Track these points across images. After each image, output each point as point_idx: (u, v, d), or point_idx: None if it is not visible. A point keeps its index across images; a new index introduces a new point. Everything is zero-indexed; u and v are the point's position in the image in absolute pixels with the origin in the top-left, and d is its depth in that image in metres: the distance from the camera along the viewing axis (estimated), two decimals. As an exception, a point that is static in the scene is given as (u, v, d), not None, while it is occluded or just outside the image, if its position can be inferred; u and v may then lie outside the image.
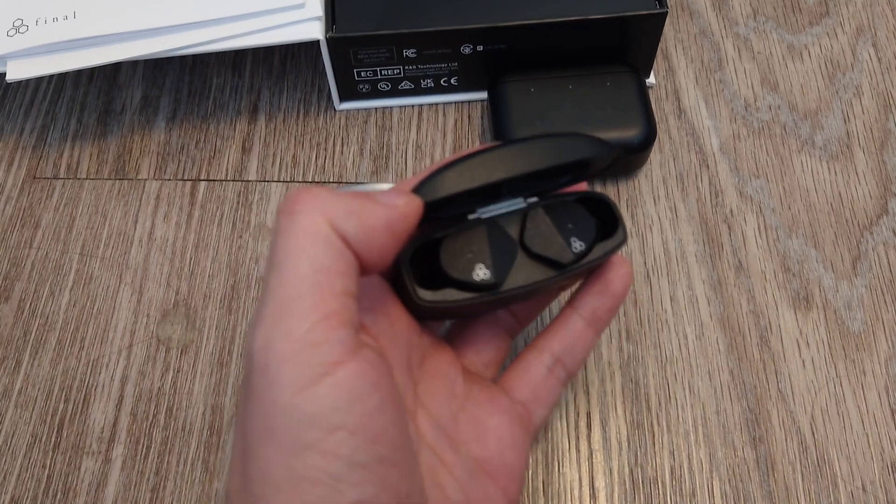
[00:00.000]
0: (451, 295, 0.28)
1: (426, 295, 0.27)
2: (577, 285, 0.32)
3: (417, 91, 0.45)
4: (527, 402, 0.31)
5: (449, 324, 0.34)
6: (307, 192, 0.24)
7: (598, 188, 0.43)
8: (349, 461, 0.22)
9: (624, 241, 0.29)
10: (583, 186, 0.31)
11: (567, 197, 0.30)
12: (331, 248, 0.23)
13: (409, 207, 0.25)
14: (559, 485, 0.36)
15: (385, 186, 0.40)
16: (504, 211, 0.29)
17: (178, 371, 0.39)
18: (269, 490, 0.22)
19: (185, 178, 0.44)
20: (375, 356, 0.23)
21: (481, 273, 0.27)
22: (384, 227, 0.24)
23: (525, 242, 0.28)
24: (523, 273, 0.28)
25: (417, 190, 0.26)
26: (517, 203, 0.29)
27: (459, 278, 0.27)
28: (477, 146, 0.29)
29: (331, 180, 0.44)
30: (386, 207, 0.24)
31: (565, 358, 0.31)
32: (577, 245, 0.28)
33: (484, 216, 0.28)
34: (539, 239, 0.28)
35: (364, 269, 0.25)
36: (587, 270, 0.30)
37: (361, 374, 0.22)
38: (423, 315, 0.30)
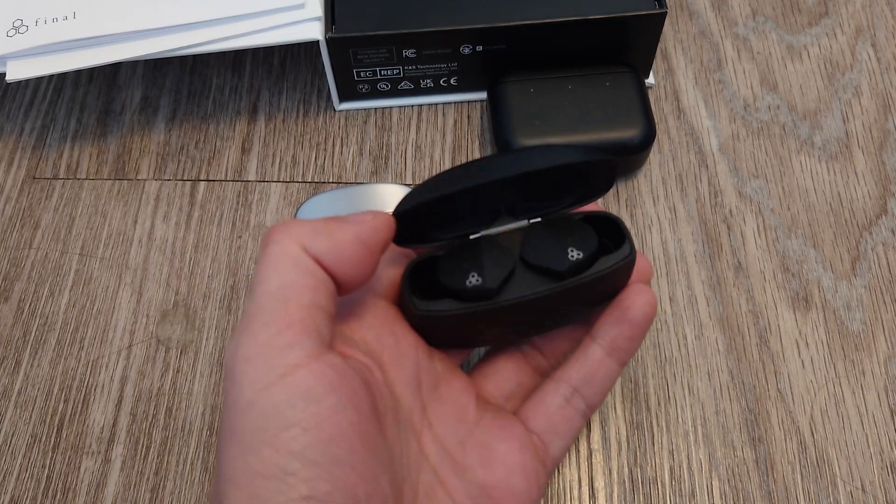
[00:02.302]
0: (446, 304, 0.28)
1: (422, 304, 0.28)
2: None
3: (417, 91, 0.45)
4: (542, 434, 0.30)
5: (477, 356, 0.34)
6: (280, 224, 0.26)
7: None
8: (301, 457, 0.22)
9: (630, 255, 0.28)
10: (593, 208, 0.30)
11: (572, 217, 0.29)
12: (298, 266, 0.25)
13: (377, 221, 0.27)
14: (558, 485, 0.36)
15: (394, 188, 0.40)
16: (505, 230, 0.29)
17: (177, 371, 0.39)
18: (228, 487, 0.23)
19: (185, 178, 0.44)
20: (341, 362, 0.24)
21: (474, 280, 0.27)
22: (354, 240, 0.26)
23: (523, 255, 0.28)
24: (522, 285, 0.28)
25: (401, 203, 0.27)
26: (520, 224, 0.29)
27: (453, 286, 0.28)
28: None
29: (330, 180, 0.44)
30: (355, 223, 0.26)
31: (584, 389, 0.30)
32: (575, 254, 0.28)
33: (485, 236, 0.29)
34: (536, 250, 0.28)
35: (341, 284, 0.26)
36: (599, 291, 0.29)
37: (319, 376, 0.23)
38: (424, 329, 0.30)
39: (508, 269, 0.28)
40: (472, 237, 0.29)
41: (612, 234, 0.29)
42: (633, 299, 0.30)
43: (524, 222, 0.29)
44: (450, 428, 0.29)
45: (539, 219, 0.29)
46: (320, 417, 0.23)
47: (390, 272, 0.29)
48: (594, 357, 0.30)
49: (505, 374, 0.32)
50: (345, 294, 0.27)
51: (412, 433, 0.28)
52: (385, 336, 0.28)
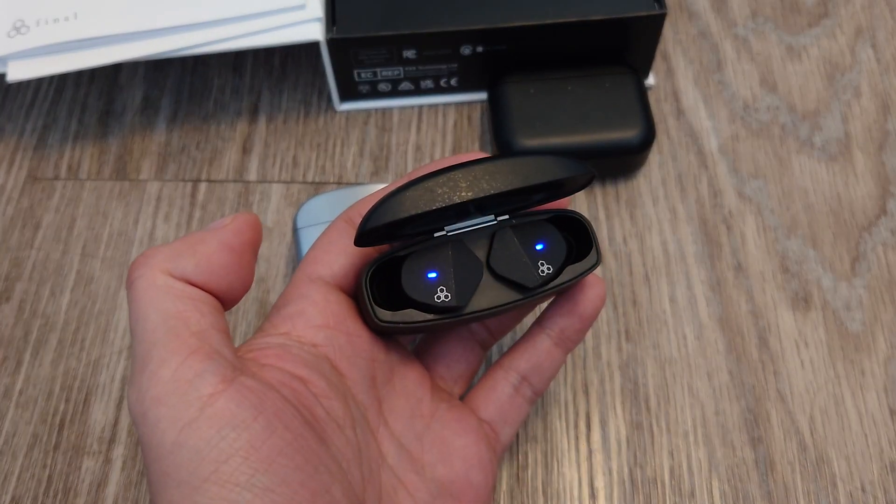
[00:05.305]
0: (411, 316, 0.27)
1: (385, 315, 0.27)
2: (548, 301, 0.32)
3: (417, 92, 0.46)
4: (493, 422, 0.31)
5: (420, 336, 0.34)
6: (140, 256, 0.25)
7: (598, 190, 0.43)
8: (250, 486, 0.21)
9: (596, 264, 0.28)
10: (564, 203, 0.30)
11: (540, 215, 0.29)
12: (171, 293, 0.24)
13: (238, 223, 0.26)
14: (558, 485, 0.36)
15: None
16: (472, 229, 0.28)
17: (178, 371, 0.39)
18: None
19: (186, 178, 0.44)
20: (255, 382, 0.23)
21: (443, 295, 0.27)
22: (219, 248, 0.25)
23: (491, 264, 0.27)
24: (488, 295, 0.27)
25: (370, 215, 0.25)
26: (487, 221, 0.28)
27: (420, 300, 0.27)
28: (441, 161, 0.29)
29: (331, 181, 0.44)
30: (216, 231, 0.26)
31: (532, 377, 0.31)
32: (545, 268, 0.27)
33: (451, 234, 0.28)
34: (505, 261, 0.27)
35: (223, 296, 0.25)
36: (558, 291, 0.29)
37: (240, 401, 0.22)
38: (384, 333, 0.29)
39: (476, 281, 0.27)
40: (436, 234, 0.28)
41: (579, 233, 0.29)
42: (585, 293, 0.30)
43: (492, 219, 0.28)
44: (406, 423, 0.29)
45: (507, 216, 0.28)
46: (256, 442, 0.22)
47: (343, 260, 0.28)
48: (542, 346, 0.31)
49: (455, 354, 0.32)
50: (232, 305, 0.26)
51: (369, 433, 0.27)
52: (337, 336, 0.27)
